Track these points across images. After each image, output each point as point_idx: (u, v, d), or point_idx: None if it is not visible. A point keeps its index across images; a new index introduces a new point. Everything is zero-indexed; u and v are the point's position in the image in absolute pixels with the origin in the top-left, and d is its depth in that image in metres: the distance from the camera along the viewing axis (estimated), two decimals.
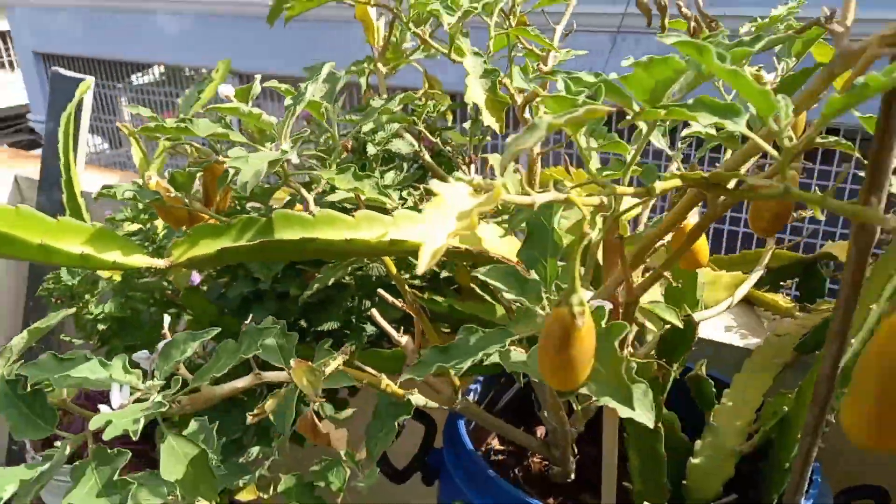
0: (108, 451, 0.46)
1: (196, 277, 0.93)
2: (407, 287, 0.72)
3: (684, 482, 0.83)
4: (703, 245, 0.77)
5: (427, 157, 0.85)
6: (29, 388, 0.50)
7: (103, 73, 5.75)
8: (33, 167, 1.75)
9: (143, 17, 5.56)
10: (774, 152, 0.38)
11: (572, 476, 0.92)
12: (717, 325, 1.07)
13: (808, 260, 1.09)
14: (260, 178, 0.53)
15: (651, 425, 0.43)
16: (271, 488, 0.79)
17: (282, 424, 0.52)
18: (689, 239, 0.53)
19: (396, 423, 0.75)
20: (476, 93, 0.63)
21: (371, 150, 0.72)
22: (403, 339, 0.72)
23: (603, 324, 0.42)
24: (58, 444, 0.50)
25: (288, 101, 0.62)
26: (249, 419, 0.49)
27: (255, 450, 0.84)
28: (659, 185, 0.39)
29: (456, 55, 0.70)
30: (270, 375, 0.53)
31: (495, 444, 1.04)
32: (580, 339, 0.33)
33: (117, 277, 1.03)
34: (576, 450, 1.02)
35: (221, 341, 0.55)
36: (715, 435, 0.84)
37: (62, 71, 1.65)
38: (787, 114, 0.35)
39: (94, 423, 0.46)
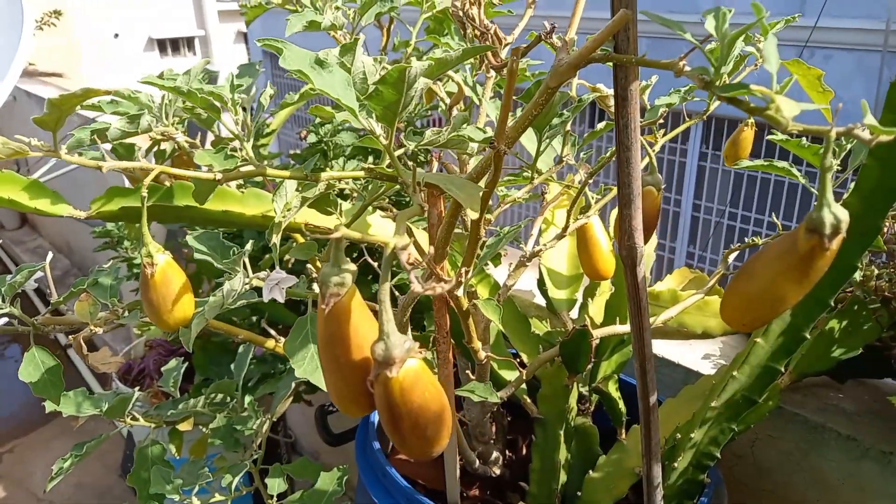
0: None
1: None
2: None
3: (578, 493, 0.82)
4: (601, 256, 0.77)
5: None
6: None
7: None
8: None
9: None
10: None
11: (496, 472, 0.94)
12: (696, 352, 1.02)
13: None
14: None
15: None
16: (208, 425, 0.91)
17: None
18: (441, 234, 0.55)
19: (293, 384, 0.85)
20: None
21: (312, 138, 0.81)
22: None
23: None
24: None
25: None
26: None
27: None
28: (325, 175, 0.44)
29: None
30: None
31: None
32: (154, 286, 0.40)
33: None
34: (524, 450, 1.03)
35: None
36: (620, 452, 0.82)
37: None
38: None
39: None
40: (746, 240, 0.83)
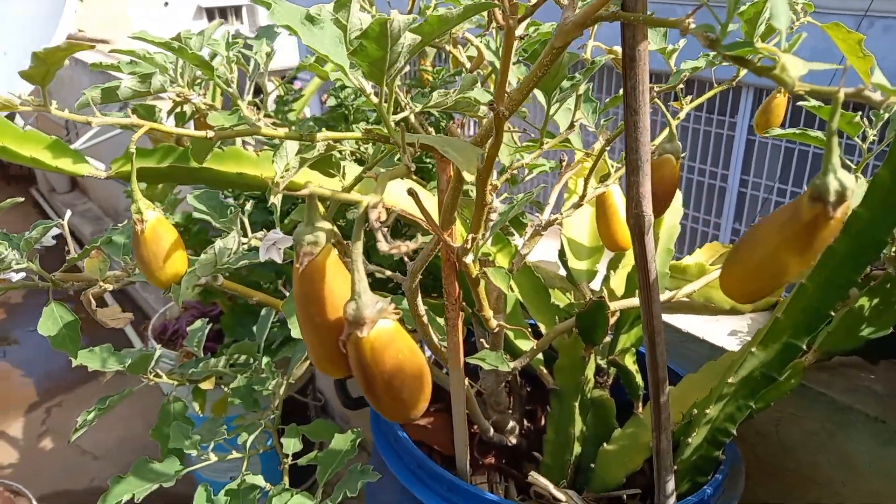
0: None
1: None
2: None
3: (592, 465, 0.82)
4: (619, 225, 0.75)
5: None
6: None
7: None
8: None
9: None
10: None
11: (511, 441, 0.94)
12: (723, 328, 0.99)
13: None
14: None
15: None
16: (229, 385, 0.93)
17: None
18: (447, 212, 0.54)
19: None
20: None
21: (332, 102, 0.81)
22: None
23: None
24: None
25: None
26: None
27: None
28: (321, 136, 0.44)
29: None
30: None
31: None
32: (145, 242, 0.40)
33: None
34: (542, 421, 1.03)
35: None
36: (636, 426, 0.81)
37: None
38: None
39: None
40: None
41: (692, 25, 0.39)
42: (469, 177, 0.43)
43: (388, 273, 0.66)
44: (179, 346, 1.42)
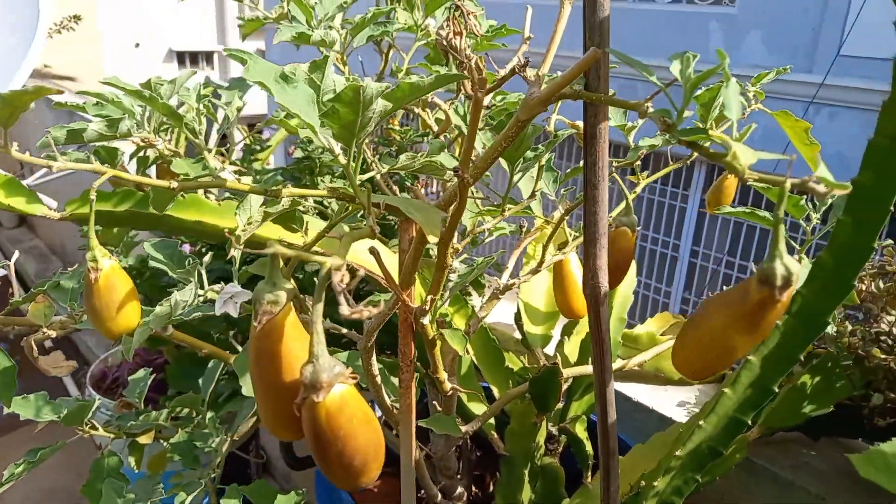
0: None
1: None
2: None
3: None
4: (576, 294, 0.76)
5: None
6: None
7: None
8: None
9: None
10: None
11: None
12: (672, 398, 1.01)
13: None
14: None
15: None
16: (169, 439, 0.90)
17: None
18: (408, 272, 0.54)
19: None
20: None
21: (299, 153, 0.81)
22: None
23: None
24: None
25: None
26: None
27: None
28: (286, 191, 0.44)
29: None
30: None
31: None
32: (98, 292, 0.39)
33: None
34: (490, 487, 1.01)
35: None
36: (584, 497, 0.81)
37: None
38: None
39: None
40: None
41: (650, 109, 0.41)
42: (433, 238, 0.43)
43: (344, 331, 0.65)
44: (119, 395, 1.37)
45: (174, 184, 0.41)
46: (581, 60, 0.44)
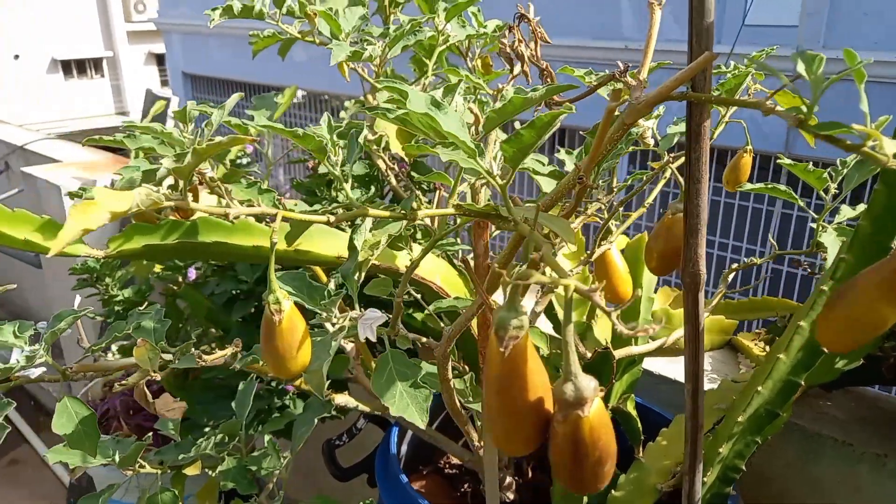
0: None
1: (192, 273, 1.05)
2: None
3: None
4: (621, 279, 0.80)
5: (393, 179, 0.93)
6: None
7: (246, 94, 6.46)
8: None
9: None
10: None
11: (509, 497, 0.94)
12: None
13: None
14: None
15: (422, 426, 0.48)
16: (217, 468, 0.88)
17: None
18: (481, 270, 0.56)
19: (316, 420, 0.83)
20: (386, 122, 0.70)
21: (323, 168, 0.80)
22: (348, 346, 0.79)
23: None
24: None
25: None
26: None
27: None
28: (422, 213, 0.45)
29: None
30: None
31: (455, 460, 1.08)
32: (281, 333, 0.39)
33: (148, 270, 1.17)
34: (529, 474, 1.04)
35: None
36: (640, 471, 0.85)
37: (154, 90, 1.87)
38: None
39: None
40: (734, 265, 0.88)
41: (778, 108, 0.44)
42: (572, 246, 0.45)
43: (424, 340, 0.66)
44: (115, 428, 1.31)
45: (331, 217, 0.41)
46: (694, 63, 0.46)
